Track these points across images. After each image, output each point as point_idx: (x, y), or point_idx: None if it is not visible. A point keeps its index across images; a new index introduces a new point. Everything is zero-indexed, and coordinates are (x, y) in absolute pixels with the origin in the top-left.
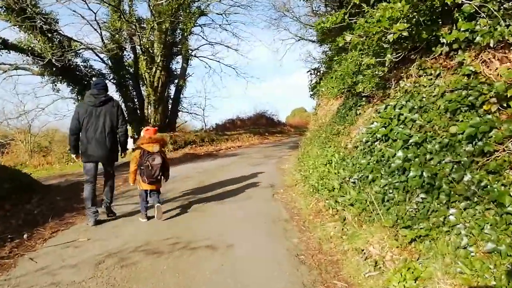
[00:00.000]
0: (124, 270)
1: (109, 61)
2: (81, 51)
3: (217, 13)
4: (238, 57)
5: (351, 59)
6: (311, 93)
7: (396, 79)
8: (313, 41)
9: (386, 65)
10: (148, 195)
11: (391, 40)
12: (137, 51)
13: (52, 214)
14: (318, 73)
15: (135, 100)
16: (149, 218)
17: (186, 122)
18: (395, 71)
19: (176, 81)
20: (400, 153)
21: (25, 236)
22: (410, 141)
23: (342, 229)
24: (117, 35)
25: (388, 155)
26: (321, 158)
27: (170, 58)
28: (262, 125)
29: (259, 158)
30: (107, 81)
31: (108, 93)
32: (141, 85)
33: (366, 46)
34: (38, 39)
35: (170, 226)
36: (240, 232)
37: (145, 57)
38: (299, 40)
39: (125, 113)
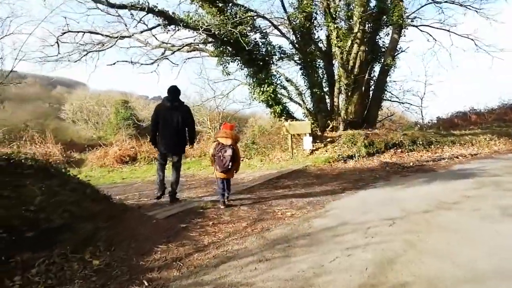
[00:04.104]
0: None
1: (293, 36)
2: (257, 23)
3: None
4: (479, 22)
5: None
6: None
7: None
8: None
9: None
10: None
11: None
12: (329, 19)
13: None
14: None
15: (324, 85)
16: (227, 206)
17: (393, 115)
18: None
19: (382, 60)
20: None
21: None
22: None
23: None
24: (305, 0)
25: None
26: None
27: (375, 28)
28: None
29: None
30: (289, 61)
31: (179, 97)
32: (334, 66)
33: None
34: (207, 10)
35: None
36: None
37: (336, 26)
38: None
39: (193, 115)
